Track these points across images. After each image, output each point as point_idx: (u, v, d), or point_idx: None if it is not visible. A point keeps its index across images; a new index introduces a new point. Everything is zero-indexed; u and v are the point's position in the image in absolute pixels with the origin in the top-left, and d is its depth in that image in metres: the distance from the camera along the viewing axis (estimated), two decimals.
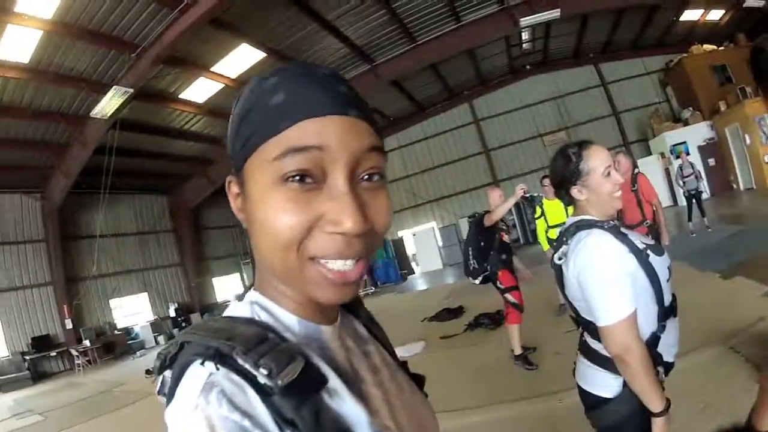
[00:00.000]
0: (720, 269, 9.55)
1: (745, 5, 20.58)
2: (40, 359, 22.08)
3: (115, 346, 24.44)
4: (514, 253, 8.17)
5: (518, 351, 7.60)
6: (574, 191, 2.56)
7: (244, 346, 0.78)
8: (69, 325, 23.43)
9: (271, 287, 0.96)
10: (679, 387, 2.94)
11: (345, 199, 0.81)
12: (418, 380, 1.21)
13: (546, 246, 9.81)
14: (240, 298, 1.01)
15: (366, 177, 0.87)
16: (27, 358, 21.20)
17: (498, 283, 7.75)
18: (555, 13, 18.86)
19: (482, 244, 7.80)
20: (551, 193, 9.01)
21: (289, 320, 0.94)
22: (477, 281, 7.95)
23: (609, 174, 2.48)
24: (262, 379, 0.76)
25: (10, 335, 21.93)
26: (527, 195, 8.65)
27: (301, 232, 0.81)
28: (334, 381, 0.86)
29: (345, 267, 0.84)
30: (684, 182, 15.22)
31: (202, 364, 0.78)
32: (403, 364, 1.21)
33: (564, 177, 2.59)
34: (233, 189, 0.96)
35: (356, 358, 1.01)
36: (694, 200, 15.05)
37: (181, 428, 0.73)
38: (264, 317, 0.92)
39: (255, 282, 1.01)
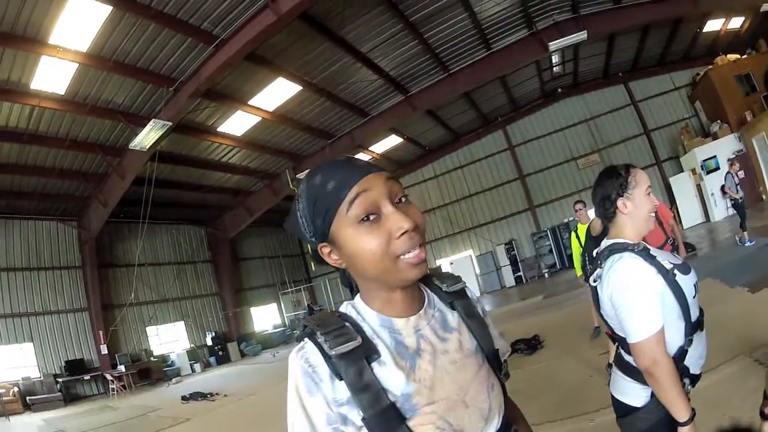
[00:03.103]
0: (749, 283, 9.52)
1: (762, 10, 20.39)
2: (73, 382, 21.96)
3: (150, 372, 24.35)
4: None
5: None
6: (620, 203, 2.72)
7: (323, 329, 1.27)
8: (104, 350, 23.32)
9: (367, 294, 1.41)
10: (705, 400, 3.07)
11: (396, 214, 1.27)
12: (500, 365, 1.57)
13: (579, 272, 9.89)
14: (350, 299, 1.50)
15: (398, 201, 1.32)
16: (60, 380, 21.18)
17: None
18: (582, 35, 18.71)
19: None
20: (584, 217, 9.64)
21: (369, 314, 1.39)
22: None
23: (649, 194, 2.72)
24: (326, 349, 1.23)
25: (43, 358, 21.83)
26: None
27: (386, 244, 1.25)
28: (385, 355, 1.30)
29: (416, 251, 1.28)
30: (737, 189, 15.15)
31: (304, 338, 1.32)
32: (493, 354, 1.54)
33: (613, 188, 2.74)
34: (325, 251, 1.38)
35: (425, 341, 1.38)
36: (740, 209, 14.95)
37: (289, 366, 1.29)
38: (351, 312, 1.41)
39: (360, 293, 1.45)
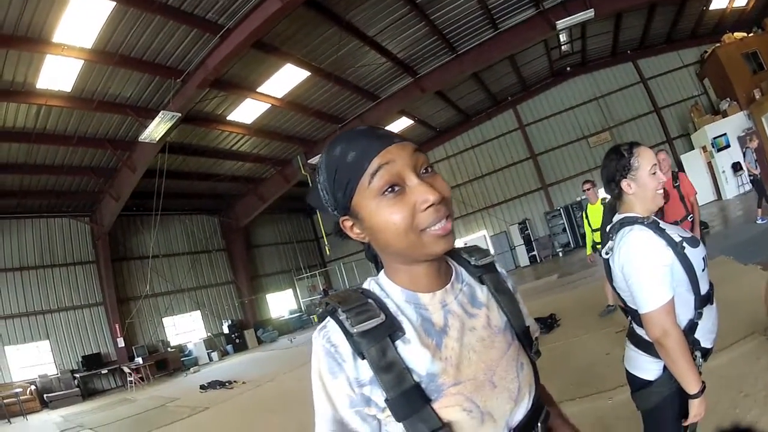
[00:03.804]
0: (763, 261, 9.43)
1: None
2: (91, 377, 22.08)
3: (168, 363, 24.43)
4: None
5: None
6: (624, 184, 2.82)
7: (345, 306, 1.24)
8: (121, 343, 23.47)
9: (392, 269, 1.37)
10: (720, 378, 3.02)
11: (421, 186, 1.22)
12: (530, 343, 1.50)
13: (589, 250, 10.41)
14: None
15: (424, 171, 1.28)
16: (77, 376, 21.29)
17: None
18: (589, 13, 18.58)
19: None
20: (593, 197, 10.05)
21: (393, 290, 1.35)
22: None
23: (655, 173, 2.77)
24: (347, 326, 1.21)
25: (60, 354, 21.98)
26: None
27: (410, 217, 1.20)
28: (410, 332, 1.26)
29: (442, 223, 1.22)
30: (757, 165, 15.03)
31: (326, 316, 1.29)
32: (524, 331, 1.49)
33: (616, 170, 2.84)
34: (347, 224, 1.34)
35: (453, 317, 1.34)
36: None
37: (312, 346, 1.28)
38: (375, 288, 1.37)
39: (384, 268, 1.41)
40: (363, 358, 1.20)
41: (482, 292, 1.47)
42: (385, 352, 1.20)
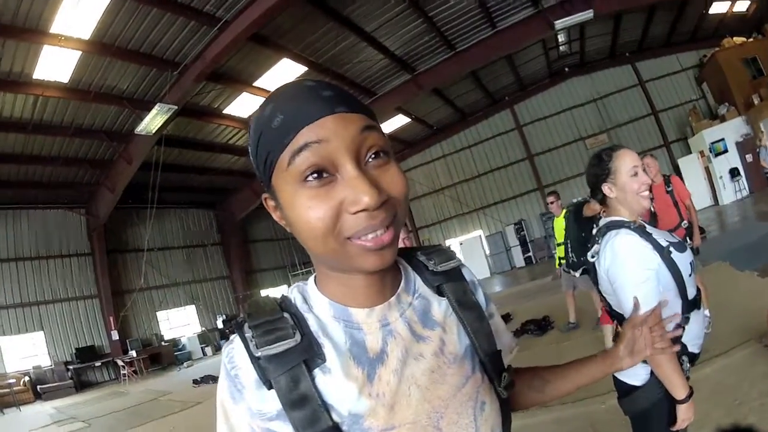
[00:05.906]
0: (759, 267, 9.36)
1: None
2: (84, 369, 22.10)
3: (161, 357, 24.53)
4: None
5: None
6: (606, 188, 2.79)
7: (253, 320, 1.03)
8: (115, 336, 23.50)
9: (322, 274, 1.13)
10: (716, 384, 2.93)
11: (357, 180, 0.92)
12: (500, 373, 1.24)
13: (557, 264, 9.95)
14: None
15: (372, 157, 0.98)
16: (71, 368, 21.34)
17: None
18: (588, 14, 18.58)
19: (583, 235, 7.54)
20: (557, 210, 9.68)
21: (319, 302, 1.11)
22: (577, 273, 7.87)
23: (635, 174, 2.70)
24: (251, 348, 0.99)
25: (54, 346, 22.04)
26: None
27: (332, 219, 0.93)
28: (332, 360, 1.02)
29: (378, 234, 0.95)
30: None
31: (234, 330, 1.08)
32: (492, 358, 1.23)
33: (597, 175, 2.83)
34: (270, 204, 1.11)
35: (395, 340, 1.09)
36: None
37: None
38: (296, 298, 1.13)
39: (315, 270, 1.17)
40: (270, 387, 0.99)
41: (439, 308, 1.22)
42: (297, 382, 0.99)
